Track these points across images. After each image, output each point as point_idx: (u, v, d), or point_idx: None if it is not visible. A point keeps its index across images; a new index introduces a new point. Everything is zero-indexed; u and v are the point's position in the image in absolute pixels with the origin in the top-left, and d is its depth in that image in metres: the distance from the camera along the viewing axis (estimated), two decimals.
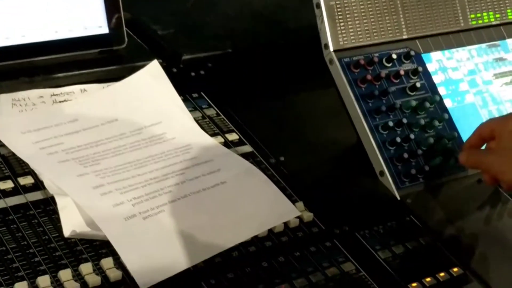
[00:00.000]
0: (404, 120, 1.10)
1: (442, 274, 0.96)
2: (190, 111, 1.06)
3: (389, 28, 1.16)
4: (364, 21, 1.13)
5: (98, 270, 0.82)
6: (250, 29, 1.29)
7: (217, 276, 0.86)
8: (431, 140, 1.11)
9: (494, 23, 1.29)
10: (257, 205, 0.95)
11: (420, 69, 1.17)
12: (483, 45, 1.26)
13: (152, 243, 0.86)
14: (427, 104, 1.14)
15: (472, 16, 1.27)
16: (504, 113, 1.21)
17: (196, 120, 1.05)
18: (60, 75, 1.04)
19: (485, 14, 1.28)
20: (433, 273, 0.95)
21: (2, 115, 0.96)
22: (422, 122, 1.12)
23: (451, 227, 1.04)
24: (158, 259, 0.84)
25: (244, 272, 0.88)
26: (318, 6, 1.10)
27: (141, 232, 0.86)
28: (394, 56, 1.14)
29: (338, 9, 1.11)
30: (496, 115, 1.20)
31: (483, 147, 1.05)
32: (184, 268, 0.84)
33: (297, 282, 0.88)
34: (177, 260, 0.85)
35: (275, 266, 0.90)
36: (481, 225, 1.06)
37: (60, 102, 1.01)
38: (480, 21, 1.27)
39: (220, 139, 1.04)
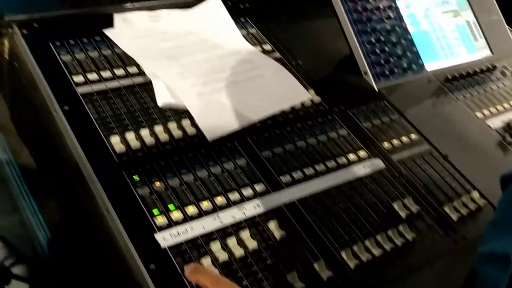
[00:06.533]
0: (382, 38, 1.02)
1: (404, 138, 0.90)
2: (239, 29, 0.98)
3: None
4: None
5: (180, 127, 0.78)
6: None
7: (257, 135, 0.81)
8: (399, 52, 1.04)
9: None
10: (283, 91, 0.90)
11: (392, 4, 1.08)
12: None
13: (216, 111, 0.81)
14: (397, 28, 1.06)
15: None
16: (446, 37, 1.13)
17: (243, 35, 0.98)
18: (154, 3, 0.97)
19: None
20: (398, 137, 0.90)
21: (117, 28, 0.90)
22: (393, 39, 1.04)
23: (411, 109, 0.97)
24: (219, 122, 0.80)
25: (275, 133, 0.83)
26: None
27: (208, 104, 0.81)
28: None
29: None
30: (441, 38, 1.12)
31: None
32: (236, 128, 0.80)
33: (308, 139, 0.84)
34: (231, 122, 0.80)
35: (295, 130, 0.85)
36: (429, 107, 1.00)
37: (154, 21, 0.95)
38: None
39: (259, 48, 0.97)
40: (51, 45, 0.83)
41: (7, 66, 0.88)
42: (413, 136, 0.91)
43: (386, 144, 0.87)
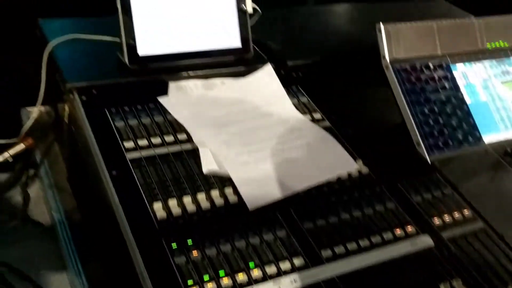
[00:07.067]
0: (436, 109, 1.00)
1: (456, 214, 0.86)
2: (290, 97, 1.00)
3: (428, 46, 1.06)
4: (410, 41, 1.04)
5: (222, 195, 0.78)
6: (332, 46, 1.20)
7: (300, 205, 0.80)
8: (455, 123, 1.00)
9: (503, 47, 1.16)
10: (330, 160, 0.89)
11: (448, 75, 1.06)
12: (494, 61, 1.13)
13: (259, 180, 0.81)
14: (452, 99, 1.03)
15: (488, 44, 1.14)
16: (506, 108, 1.09)
17: (294, 104, 0.99)
18: (208, 72, 1.00)
19: (497, 43, 1.15)
20: (450, 213, 0.86)
21: (171, 96, 0.94)
22: (448, 110, 1.01)
23: (466, 183, 0.93)
24: (261, 191, 0.80)
25: (318, 203, 0.82)
26: (380, 31, 1.02)
27: (252, 172, 0.82)
28: (431, 65, 1.04)
29: (393, 33, 1.02)
30: (500, 109, 1.08)
31: None
32: (279, 197, 0.79)
33: (353, 212, 0.81)
34: (274, 192, 0.80)
35: (340, 201, 0.83)
36: (486, 182, 0.95)
37: (207, 89, 0.98)
38: (493, 45, 1.14)
39: (309, 116, 0.97)
40: (106, 111, 0.87)
41: (67, 130, 0.93)
42: (466, 212, 0.87)
43: (436, 220, 0.84)
